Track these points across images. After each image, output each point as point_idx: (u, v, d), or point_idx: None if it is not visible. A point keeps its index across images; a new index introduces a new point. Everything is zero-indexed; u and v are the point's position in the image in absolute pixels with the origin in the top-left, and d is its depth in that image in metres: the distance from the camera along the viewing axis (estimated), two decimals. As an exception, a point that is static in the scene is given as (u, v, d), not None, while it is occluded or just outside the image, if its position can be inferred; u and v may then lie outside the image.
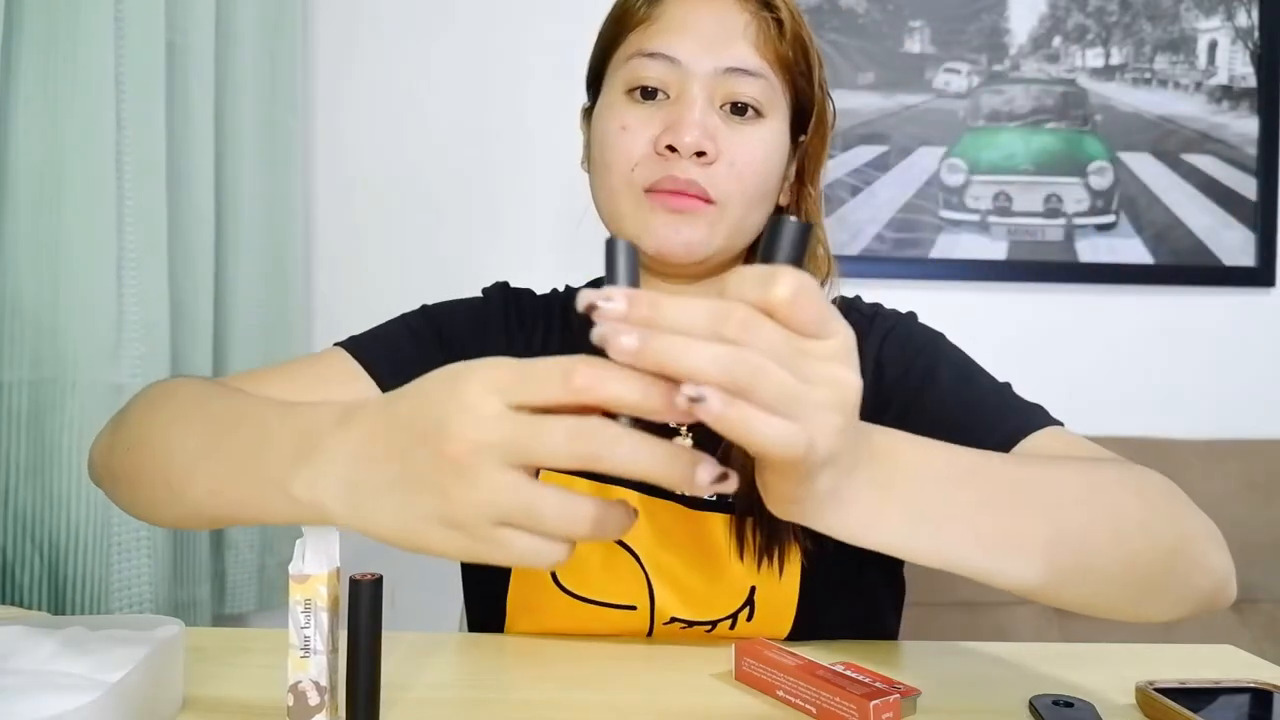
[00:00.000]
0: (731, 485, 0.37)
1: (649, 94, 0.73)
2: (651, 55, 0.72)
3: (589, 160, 0.78)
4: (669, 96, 0.72)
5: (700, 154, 0.70)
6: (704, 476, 0.36)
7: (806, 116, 0.77)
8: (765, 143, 0.73)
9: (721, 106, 0.72)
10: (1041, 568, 0.48)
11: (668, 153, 0.70)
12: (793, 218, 0.40)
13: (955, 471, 0.48)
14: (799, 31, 0.74)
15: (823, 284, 0.77)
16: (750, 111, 0.72)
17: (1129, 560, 0.52)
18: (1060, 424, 0.69)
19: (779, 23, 0.73)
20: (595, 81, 0.80)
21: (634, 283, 0.39)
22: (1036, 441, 0.66)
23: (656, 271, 0.77)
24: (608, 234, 0.39)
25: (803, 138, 0.78)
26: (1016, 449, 0.66)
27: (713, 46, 0.71)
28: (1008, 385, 0.74)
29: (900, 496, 0.44)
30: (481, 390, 0.38)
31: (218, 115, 1.31)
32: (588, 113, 0.80)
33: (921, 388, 0.73)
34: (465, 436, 0.37)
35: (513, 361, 0.38)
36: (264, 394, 0.68)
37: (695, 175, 0.70)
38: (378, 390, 0.75)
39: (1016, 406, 0.71)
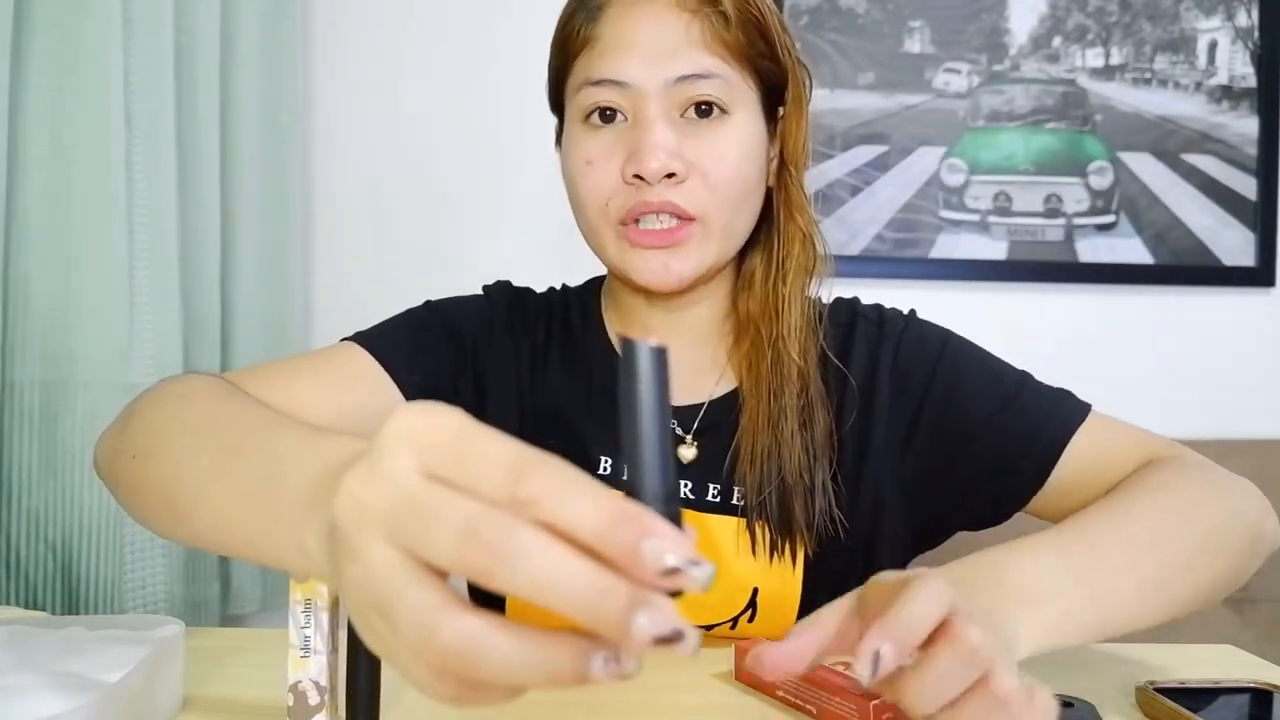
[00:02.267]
0: (689, 645, 0.28)
1: (607, 117, 0.71)
2: (599, 83, 0.70)
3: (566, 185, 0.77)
4: (627, 118, 0.70)
5: (669, 175, 0.68)
6: (645, 626, 0.27)
7: (781, 91, 0.75)
8: (737, 141, 0.71)
9: (684, 114, 0.70)
10: (1147, 617, 0.55)
11: (637, 181, 0.68)
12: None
13: (1064, 559, 0.53)
14: (749, 13, 0.70)
15: (814, 280, 0.77)
16: (715, 110, 0.70)
17: (1209, 572, 0.59)
18: (1089, 407, 0.72)
19: (723, 15, 0.69)
20: (557, 108, 0.78)
21: (663, 398, 0.30)
22: (1078, 448, 0.70)
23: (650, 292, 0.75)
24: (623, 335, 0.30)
25: (781, 110, 0.75)
26: (1062, 462, 0.70)
27: (659, 59, 0.68)
28: (1028, 375, 0.75)
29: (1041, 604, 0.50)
30: (401, 442, 0.30)
31: (221, 116, 1.31)
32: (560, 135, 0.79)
33: (950, 396, 0.74)
34: (350, 491, 0.30)
35: (464, 421, 0.30)
36: (287, 396, 0.68)
37: (669, 196, 0.68)
38: (393, 385, 0.75)
39: (1046, 404, 0.72)
